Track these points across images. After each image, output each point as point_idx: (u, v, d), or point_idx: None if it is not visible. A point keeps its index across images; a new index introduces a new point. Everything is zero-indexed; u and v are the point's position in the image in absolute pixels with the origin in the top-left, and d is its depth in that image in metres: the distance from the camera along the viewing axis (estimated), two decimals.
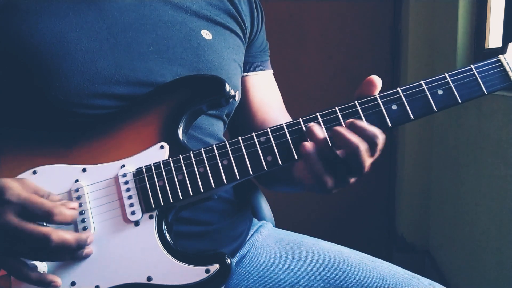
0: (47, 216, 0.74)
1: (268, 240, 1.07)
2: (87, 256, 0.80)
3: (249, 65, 1.09)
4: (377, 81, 0.79)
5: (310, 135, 0.77)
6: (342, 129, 0.75)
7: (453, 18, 2.00)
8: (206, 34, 0.97)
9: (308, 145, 0.76)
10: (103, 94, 0.87)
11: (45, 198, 0.77)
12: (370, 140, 0.75)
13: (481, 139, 1.77)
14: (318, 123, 0.79)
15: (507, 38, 1.66)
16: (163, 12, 0.95)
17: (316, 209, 2.77)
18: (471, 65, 0.80)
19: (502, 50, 0.81)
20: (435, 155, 2.39)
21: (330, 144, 0.76)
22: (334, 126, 0.78)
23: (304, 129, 0.79)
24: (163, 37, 0.92)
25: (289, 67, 2.65)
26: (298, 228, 1.20)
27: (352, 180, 0.79)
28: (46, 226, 0.75)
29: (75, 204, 0.79)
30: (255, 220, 1.15)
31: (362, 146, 0.74)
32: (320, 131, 0.77)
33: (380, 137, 0.76)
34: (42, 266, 0.79)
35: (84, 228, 0.81)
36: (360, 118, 0.79)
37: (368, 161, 0.77)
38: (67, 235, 0.75)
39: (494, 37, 1.86)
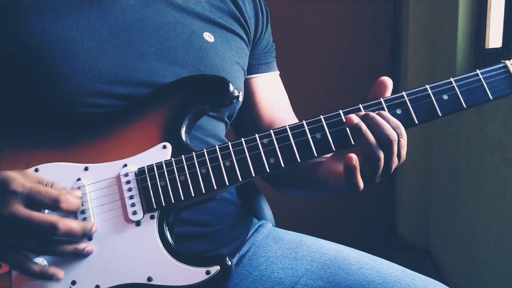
0: (54, 203, 0.76)
1: (268, 240, 1.07)
2: (87, 254, 0.80)
3: (254, 67, 1.09)
4: (388, 82, 0.81)
5: (358, 134, 0.78)
6: (375, 114, 0.77)
7: (453, 18, 2.00)
8: (208, 37, 0.97)
9: (352, 156, 0.77)
10: (104, 93, 0.87)
11: (48, 187, 0.78)
12: (396, 130, 0.77)
13: (481, 139, 1.77)
14: (322, 126, 0.80)
15: (507, 38, 1.66)
16: (165, 13, 0.95)
17: (316, 209, 2.77)
18: (477, 70, 0.79)
19: (507, 52, 0.81)
20: (435, 155, 2.39)
21: (377, 145, 0.77)
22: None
23: (308, 131, 0.80)
24: (165, 38, 0.92)
25: (289, 68, 2.63)
26: (298, 228, 1.20)
27: (378, 175, 0.80)
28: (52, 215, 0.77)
29: (79, 192, 0.80)
30: (254, 220, 1.15)
31: (395, 134, 0.77)
32: (369, 133, 0.77)
33: (402, 129, 0.78)
34: (43, 265, 0.79)
35: None
36: None
37: (395, 160, 0.79)
38: (73, 223, 0.76)
39: (494, 37, 1.86)
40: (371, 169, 0.78)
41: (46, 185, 0.78)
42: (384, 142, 0.77)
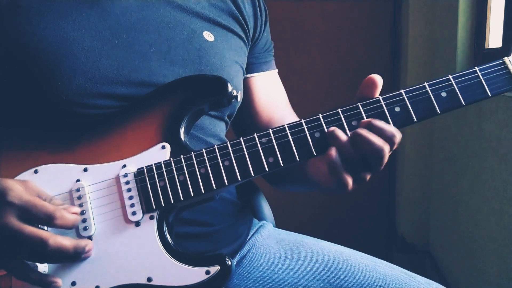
0: (48, 219, 0.74)
1: (268, 240, 1.08)
2: (86, 257, 0.80)
3: (253, 66, 1.09)
4: (378, 80, 0.79)
5: (333, 139, 0.77)
6: (365, 132, 0.76)
7: (453, 18, 2.00)
8: (208, 36, 0.97)
9: (333, 151, 0.76)
10: (104, 94, 0.87)
11: (47, 201, 0.77)
12: (390, 140, 0.76)
13: (481, 139, 1.77)
14: (321, 124, 0.79)
15: (507, 38, 1.66)
16: (165, 13, 0.95)
17: (316, 209, 2.77)
18: (476, 67, 0.79)
19: (507, 52, 0.80)
20: (435, 155, 2.39)
21: (353, 147, 0.76)
22: (348, 127, 0.78)
23: (306, 130, 0.79)
24: (165, 38, 0.92)
25: (289, 67, 2.64)
26: (298, 228, 1.20)
27: (369, 177, 0.80)
28: (46, 230, 0.75)
29: (77, 209, 0.79)
30: (255, 220, 1.15)
31: (386, 147, 0.75)
32: (342, 135, 0.77)
33: (398, 136, 0.77)
34: (43, 266, 0.79)
35: (85, 228, 0.81)
36: (362, 118, 0.79)
37: (386, 159, 0.77)
38: (65, 241, 0.75)
39: (494, 37, 1.86)
40: (359, 171, 0.78)
41: (45, 199, 0.77)
42: (375, 156, 0.76)
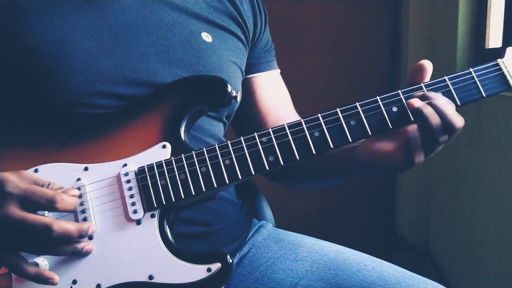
0: (49, 204, 0.74)
1: (268, 240, 1.08)
2: (87, 253, 0.80)
3: (254, 67, 1.09)
4: (427, 65, 0.81)
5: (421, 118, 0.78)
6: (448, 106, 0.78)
7: (453, 18, 2.01)
8: (206, 37, 0.97)
9: (413, 127, 0.79)
10: (103, 93, 0.87)
11: (45, 187, 0.77)
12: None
13: (481, 139, 1.77)
14: (320, 124, 0.80)
15: (507, 38, 1.66)
16: (164, 13, 0.95)
17: (316, 209, 2.78)
18: (470, 68, 0.82)
19: (501, 53, 0.82)
20: (435, 155, 2.38)
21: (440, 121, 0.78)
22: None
23: (306, 129, 0.80)
24: (164, 39, 0.93)
25: (289, 67, 2.63)
26: (298, 228, 1.20)
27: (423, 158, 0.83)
28: (47, 217, 0.76)
29: (75, 191, 0.79)
30: (255, 220, 1.15)
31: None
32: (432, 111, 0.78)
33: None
34: (44, 264, 0.79)
35: None
36: (361, 119, 0.80)
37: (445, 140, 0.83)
38: (68, 225, 0.75)
39: (494, 37, 1.87)
40: (426, 148, 0.82)
41: (42, 185, 0.77)
42: (449, 128, 0.80)
